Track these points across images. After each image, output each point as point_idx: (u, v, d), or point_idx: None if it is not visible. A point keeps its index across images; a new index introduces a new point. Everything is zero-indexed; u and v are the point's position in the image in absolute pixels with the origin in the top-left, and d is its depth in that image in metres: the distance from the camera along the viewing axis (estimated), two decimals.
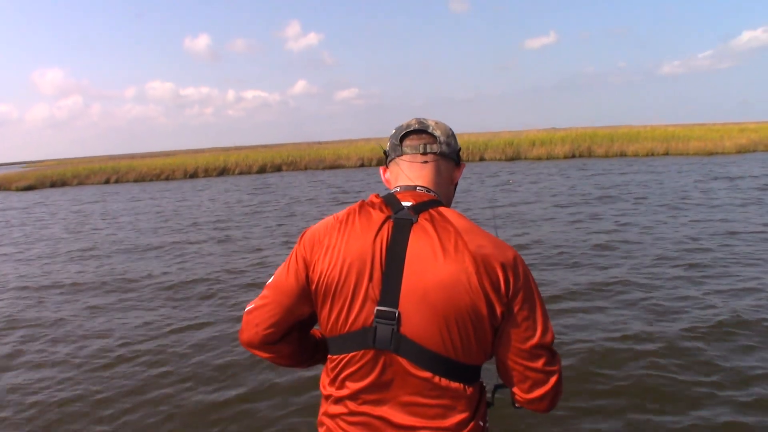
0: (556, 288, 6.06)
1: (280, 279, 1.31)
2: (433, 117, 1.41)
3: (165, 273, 7.93)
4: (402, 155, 1.36)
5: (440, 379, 1.19)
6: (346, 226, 1.25)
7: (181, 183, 27.78)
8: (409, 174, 1.35)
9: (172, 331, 5.42)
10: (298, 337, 1.38)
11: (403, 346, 1.18)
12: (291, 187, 21.27)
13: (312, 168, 32.29)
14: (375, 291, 1.19)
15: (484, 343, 1.21)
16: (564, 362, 1.57)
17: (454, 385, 1.20)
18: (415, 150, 1.34)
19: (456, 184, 1.44)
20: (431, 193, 1.32)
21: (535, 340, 1.19)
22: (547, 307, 1.23)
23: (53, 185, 30.06)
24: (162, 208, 16.48)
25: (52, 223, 14.56)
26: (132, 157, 63.40)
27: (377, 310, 1.19)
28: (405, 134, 1.37)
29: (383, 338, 1.18)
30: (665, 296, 5.64)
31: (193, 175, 31.10)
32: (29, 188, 29.27)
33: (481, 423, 1.27)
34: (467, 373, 1.22)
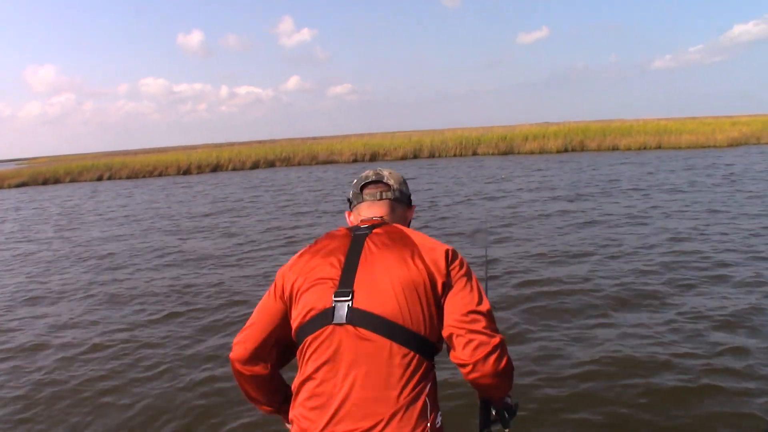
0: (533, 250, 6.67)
1: (265, 302, 1.53)
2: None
3: (155, 259, 7.97)
4: (362, 202, 1.66)
5: (392, 345, 1.33)
6: (314, 247, 1.52)
7: (173, 179, 27.70)
8: (367, 213, 1.64)
9: (165, 315, 5.52)
10: (279, 362, 1.56)
11: (358, 317, 1.35)
12: (284, 183, 21.26)
13: (305, 164, 32.17)
14: (335, 281, 1.41)
15: (431, 312, 1.38)
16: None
17: (406, 351, 1.34)
18: (373, 197, 1.65)
19: (409, 222, 1.71)
20: (386, 220, 1.61)
21: (472, 306, 1.38)
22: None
23: (45, 182, 29.94)
24: (156, 204, 16.45)
25: (45, 220, 14.54)
26: (125, 153, 63.04)
27: (335, 292, 1.39)
28: (364, 185, 1.67)
29: (340, 314, 1.37)
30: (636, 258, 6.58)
31: (186, 172, 30.93)
32: (22, 185, 29.14)
33: (428, 402, 1.35)
34: (420, 345, 1.36)
